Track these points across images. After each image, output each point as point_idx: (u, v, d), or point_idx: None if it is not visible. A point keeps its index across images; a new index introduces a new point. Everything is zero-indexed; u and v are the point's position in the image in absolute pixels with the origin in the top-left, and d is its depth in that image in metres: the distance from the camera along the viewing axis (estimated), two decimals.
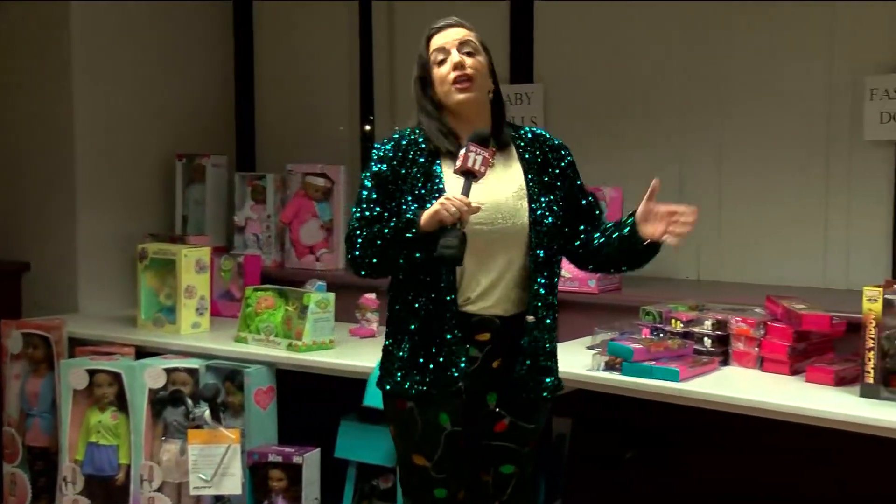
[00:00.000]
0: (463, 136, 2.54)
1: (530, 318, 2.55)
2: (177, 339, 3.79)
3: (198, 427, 3.42)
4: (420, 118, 2.62)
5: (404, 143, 2.60)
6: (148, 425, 3.57)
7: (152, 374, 3.56)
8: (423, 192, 2.53)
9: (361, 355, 3.42)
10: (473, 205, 2.41)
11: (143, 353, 3.74)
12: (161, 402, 3.56)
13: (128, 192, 4.49)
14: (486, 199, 2.50)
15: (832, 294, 3.54)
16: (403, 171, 2.57)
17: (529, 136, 2.68)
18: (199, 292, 3.91)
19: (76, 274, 4.32)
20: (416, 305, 2.55)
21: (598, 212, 2.72)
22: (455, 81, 2.53)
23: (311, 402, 3.59)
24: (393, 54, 4.65)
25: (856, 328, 2.78)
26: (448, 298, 2.51)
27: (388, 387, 2.61)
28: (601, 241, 2.64)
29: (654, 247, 2.55)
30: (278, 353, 3.54)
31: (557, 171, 2.65)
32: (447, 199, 2.40)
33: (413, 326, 2.55)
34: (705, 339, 3.11)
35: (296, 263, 4.43)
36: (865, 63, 3.56)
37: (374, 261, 2.53)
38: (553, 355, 2.65)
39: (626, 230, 2.57)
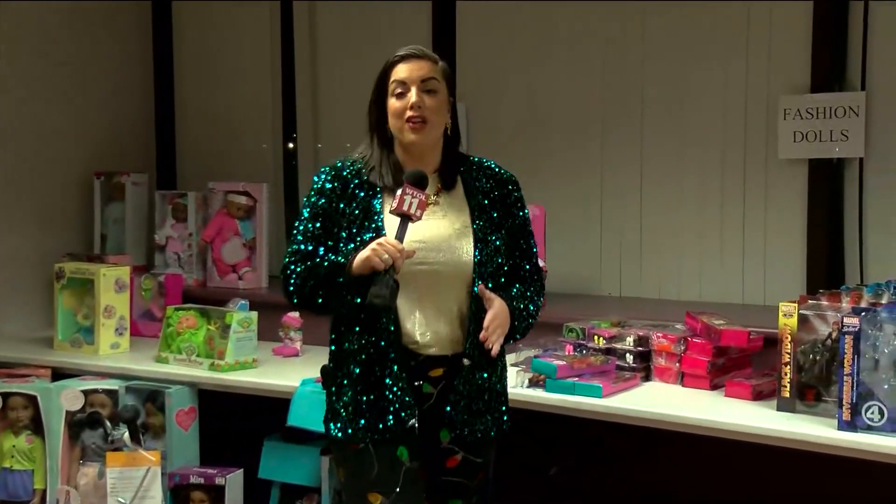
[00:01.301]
0: None
1: (466, 362, 2.47)
2: (95, 361, 3.71)
3: (117, 449, 3.36)
4: (369, 145, 2.54)
5: (345, 174, 2.52)
6: (65, 449, 3.49)
7: (69, 397, 3.48)
8: (359, 229, 2.45)
9: (285, 374, 3.39)
10: (408, 250, 2.34)
11: (60, 374, 3.66)
12: (79, 424, 3.49)
13: (44, 211, 4.39)
14: (428, 237, 2.44)
15: (750, 310, 3.61)
16: (342, 206, 2.49)
17: (478, 168, 2.59)
18: (119, 312, 3.84)
19: None
20: (358, 347, 2.46)
21: (527, 266, 2.61)
22: (409, 120, 2.44)
23: (233, 422, 3.54)
24: (315, 65, 4.64)
25: (773, 343, 2.84)
26: (390, 340, 2.43)
27: (338, 434, 2.49)
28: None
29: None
30: (200, 373, 3.49)
31: (503, 207, 2.56)
32: (380, 244, 2.32)
33: (357, 370, 2.45)
34: (627, 355, 3.15)
35: (218, 282, 4.39)
36: (779, 84, 3.66)
37: (310, 300, 2.47)
38: (502, 393, 2.58)
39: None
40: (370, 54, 4.45)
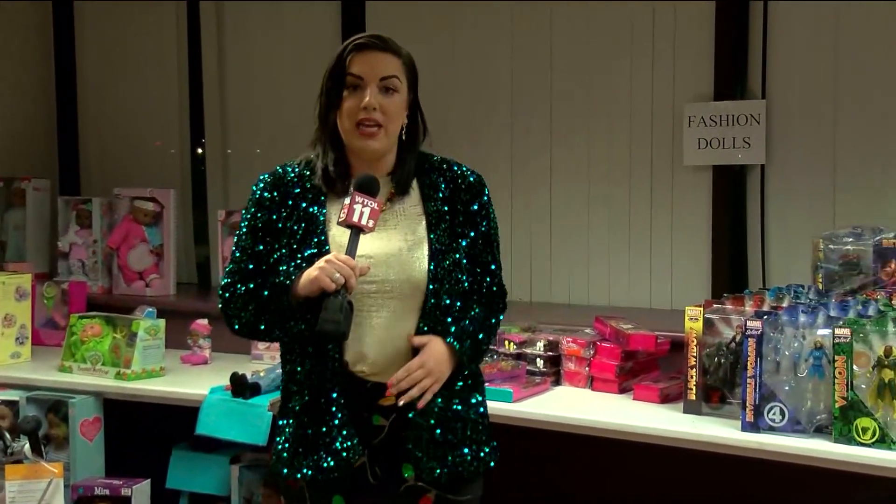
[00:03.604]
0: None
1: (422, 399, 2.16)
2: None
3: (17, 462, 3.27)
4: (316, 143, 2.25)
5: (287, 180, 2.24)
6: None
7: None
8: (300, 244, 2.18)
9: (193, 383, 3.34)
10: (361, 265, 2.09)
11: None
12: None
13: None
14: (376, 250, 2.17)
15: (657, 314, 3.68)
16: (284, 215, 2.21)
17: (440, 169, 2.31)
18: (20, 321, 3.74)
19: None
20: (300, 376, 2.20)
21: (487, 283, 2.31)
22: (361, 123, 2.15)
23: (140, 431, 3.48)
24: (223, 67, 4.58)
25: (679, 347, 2.89)
26: (335, 366, 2.16)
27: (282, 470, 2.23)
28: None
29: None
30: (106, 382, 3.42)
31: (465, 216, 2.27)
32: (328, 261, 2.05)
33: (298, 400, 2.20)
34: (537, 359, 3.17)
35: (124, 290, 4.31)
36: (684, 92, 3.74)
37: (252, 327, 2.21)
38: (477, 423, 2.27)
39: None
40: (279, 55, 4.44)
